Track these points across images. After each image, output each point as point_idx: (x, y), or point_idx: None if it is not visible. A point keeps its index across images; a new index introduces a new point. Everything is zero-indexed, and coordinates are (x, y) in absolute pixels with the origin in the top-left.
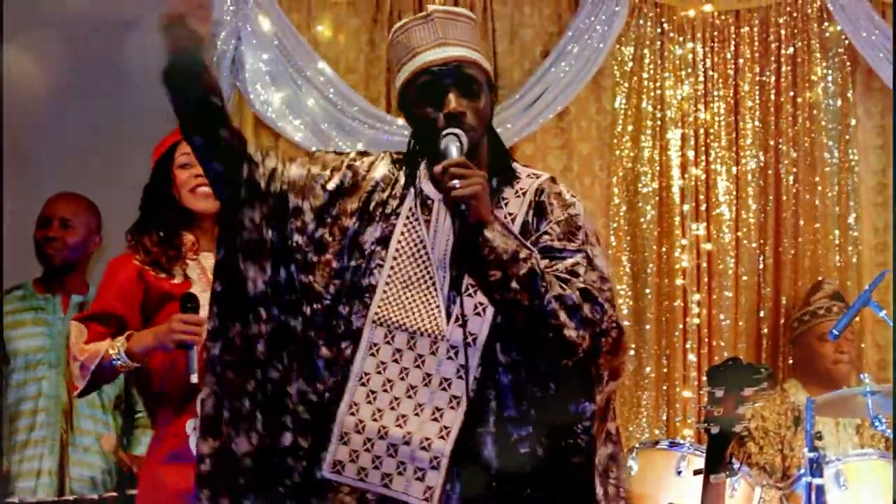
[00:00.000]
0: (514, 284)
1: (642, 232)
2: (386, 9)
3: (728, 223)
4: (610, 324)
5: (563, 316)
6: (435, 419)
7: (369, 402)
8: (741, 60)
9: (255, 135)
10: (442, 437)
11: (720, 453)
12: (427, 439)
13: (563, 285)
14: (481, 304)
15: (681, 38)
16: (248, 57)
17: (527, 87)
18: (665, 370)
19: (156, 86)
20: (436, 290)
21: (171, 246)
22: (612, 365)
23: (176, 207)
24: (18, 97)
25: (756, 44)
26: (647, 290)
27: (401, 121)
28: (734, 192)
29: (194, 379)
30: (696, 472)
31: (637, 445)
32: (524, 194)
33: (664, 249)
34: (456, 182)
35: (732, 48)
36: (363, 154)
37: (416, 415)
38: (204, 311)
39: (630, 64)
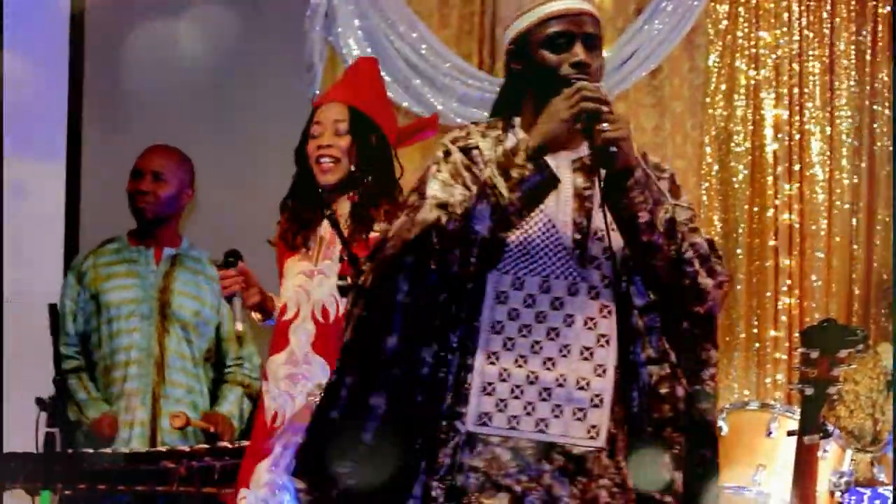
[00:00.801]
0: (659, 227)
1: (734, 192)
2: None
3: (821, 184)
4: (725, 276)
5: (697, 263)
6: (585, 358)
7: (508, 350)
8: (837, 20)
9: None
10: (599, 376)
11: (814, 415)
12: (583, 378)
13: (695, 234)
14: (608, 248)
15: None
16: (341, 12)
17: (619, 45)
18: (756, 331)
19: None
20: (561, 233)
21: (298, 220)
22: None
23: (310, 177)
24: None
25: (852, 2)
26: (739, 250)
27: (493, 77)
28: (828, 153)
29: (239, 327)
30: (790, 433)
31: (727, 406)
32: None
33: (756, 209)
34: (605, 125)
35: (829, 7)
36: (456, 139)
37: (564, 356)
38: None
39: (724, 22)
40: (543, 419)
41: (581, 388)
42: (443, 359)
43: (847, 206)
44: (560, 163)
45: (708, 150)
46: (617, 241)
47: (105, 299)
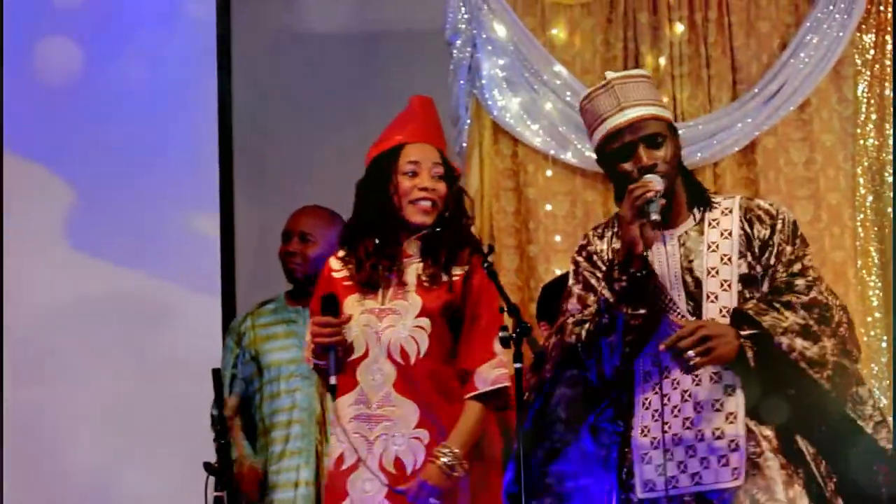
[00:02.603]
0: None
1: (890, 222)
2: (620, 8)
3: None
4: (840, 313)
5: (798, 343)
6: (717, 410)
7: (655, 421)
8: None
9: (495, 141)
10: (731, 422)
11: None
12: (717, 429)
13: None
14: (724, 307)
15: None
16: (485, 63)
17: (765, 81)
18: None
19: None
20: (677, 305)
21: (385, 255)
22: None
23: (393, 214)
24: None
25: None
26: None
27: None
28: None
29: (333, 381)
30: None
31: None
32: (730, 212)
33: None
34: (691, 353)
35: None
36: (581, 249)
37: (698, 413)
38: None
39: (872, 52)
40: (696, 472)
41: (718, 438)
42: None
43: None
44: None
45: (861, 181)
46: (724, 300)
47: (265, 360)
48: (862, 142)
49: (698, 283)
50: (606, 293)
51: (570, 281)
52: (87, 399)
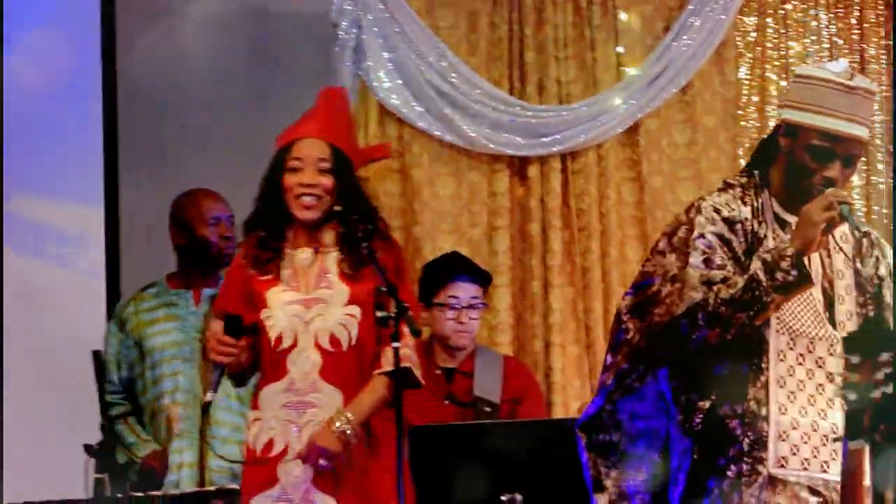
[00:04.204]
0: None
1: None
2: None
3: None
4: None
5: None
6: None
7: (791, 402)
8: (866, 25)
9: (380, 123)
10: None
11: (858, 420)
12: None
13: None
14: (849, 311)
15: (804, 6)
16: (370, 45)
17: (649, 63)
18: None
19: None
20: (815, 300)
21: (269, 248)
22: None
23: (283, 209)
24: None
25: (880, 7)
26: None
27: (523, 101)
28: (862, 159)
29: (209, 397)
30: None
31: None
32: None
33: None
34: None
35: (857, 13)
36: (719, 208)
37: (830, 408)
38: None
39: (753, 34)
40: (826, 461)
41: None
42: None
43: (885, 210)
44: None
45: (742, 162)
46: (848, 304)
47: (148, 345)
48: (743, 123)
49: (831, 283)
50: (761, 275)
51: (694, 235)
52: None
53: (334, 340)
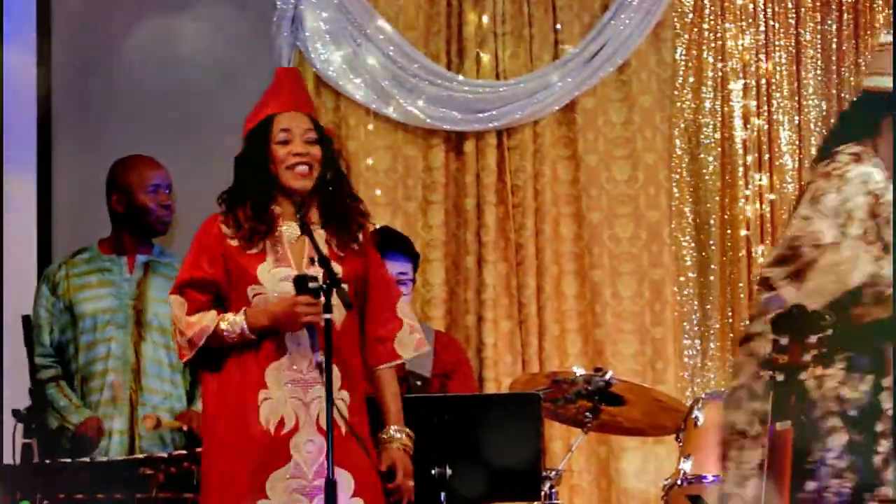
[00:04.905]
0: None
1: (705, 183)
2: None
3: (791, 173)
4: None
5: None
6: None
7: None
8: (802, 9)
9: (317, 94)
10: None
11: (786, 401)
12: None
13: None
14: None
15: None
16: (308, 16)
17: (586, 41)
18: (730, 321)
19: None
20: None
21: (262, 221)
22: None
23: (271, 182)
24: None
25: None
26: (711, 242)
27: (460, 76)
28: (797, 143)
29: (319, 358)
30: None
31: (703, 396)
32: None
33: (727, 200)
34: None
35: None
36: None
37: None
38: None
39: (690, 15)
40: None
41: None
42: None
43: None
44: None
45: (678, 142)
46: None
47: (80, 310)
48: (679, 104)
49: None
50: None
51: (854, 210)
52: None
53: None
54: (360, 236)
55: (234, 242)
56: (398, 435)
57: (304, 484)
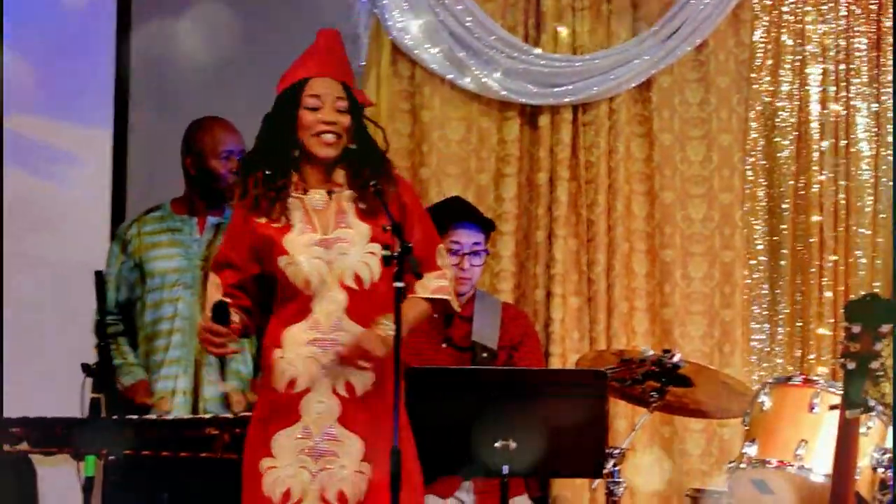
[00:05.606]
0: None
1: (779, 167)
2: None
3: (867, 160)
4: None
5: None
6: None
7: None
8: None
9: (393, 62)
10: None
11: (857, 389)
12: None
13: None
14: None
15: None
16: None
17: (665, 20)
18: (800, 307)
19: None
20: None
21: (273, 187)
22: None
23: (295, 147)
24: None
25: None
26: (784, 226)
27: (537, 49)
28: (874, 129)
29: (226, 388)
30: (832, 407)
31: (770, 381)
32: None
33: (801, 185)
34: None
35: None
36: None
37: None
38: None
39: None
40: None
41: None
42: None
43: (892, 182)
44: None
45: (753, 125)
46: None
47: (149, 268)
48: (756, 86)
49: None
50: None
51: None
52: None
53: (358, 279)
54: (384, 198)
55: (261, 219)
56: (383, 322)
57: (311, 445)
